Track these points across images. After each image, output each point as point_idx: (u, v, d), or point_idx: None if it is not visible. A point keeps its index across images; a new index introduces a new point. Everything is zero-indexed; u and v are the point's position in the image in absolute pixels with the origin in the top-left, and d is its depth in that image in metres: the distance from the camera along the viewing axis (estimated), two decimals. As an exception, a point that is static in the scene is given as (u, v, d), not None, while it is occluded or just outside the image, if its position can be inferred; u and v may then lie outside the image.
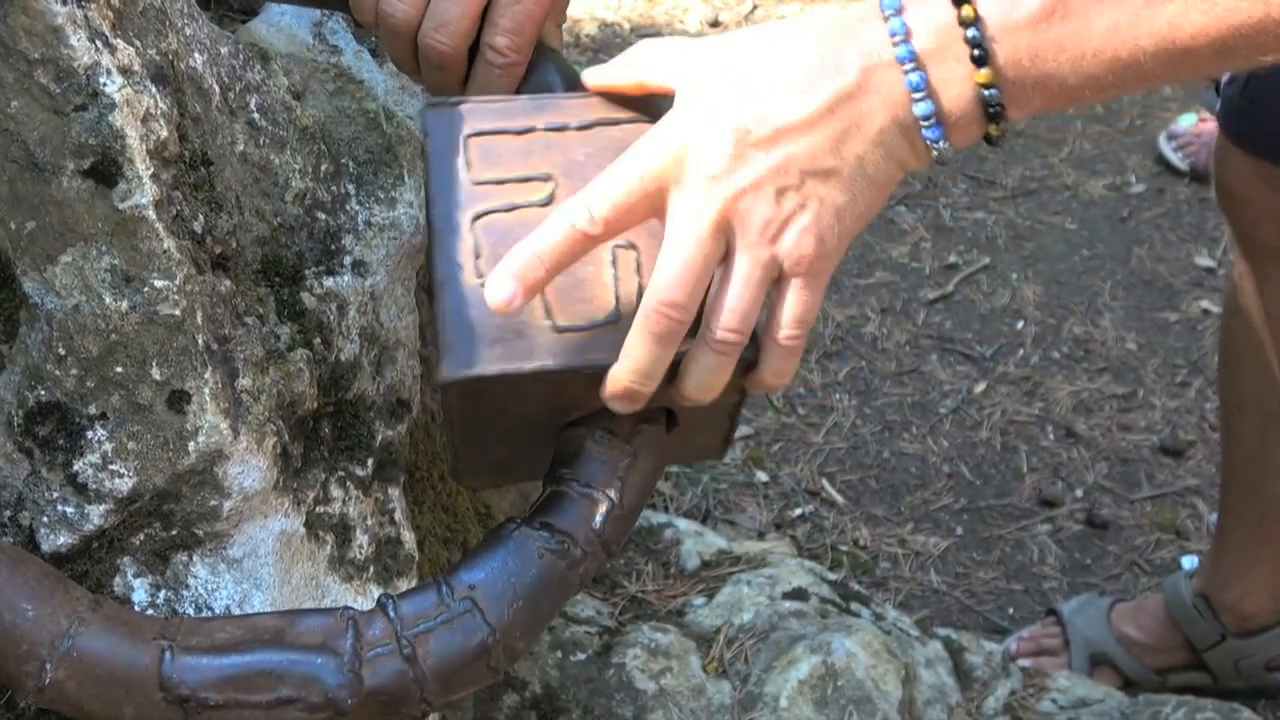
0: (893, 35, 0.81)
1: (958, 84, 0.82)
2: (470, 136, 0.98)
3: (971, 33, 0.80)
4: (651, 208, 0.86)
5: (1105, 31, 0.80)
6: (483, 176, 0.97)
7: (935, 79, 0.82)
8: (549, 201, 0.95)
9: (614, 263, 0.94)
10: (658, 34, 3.72)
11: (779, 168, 0.83)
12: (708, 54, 0.87)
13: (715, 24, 3.77)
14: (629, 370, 0.88)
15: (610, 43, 3.65)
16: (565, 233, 0.86)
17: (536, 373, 0.90)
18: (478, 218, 0.95)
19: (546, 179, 0.97)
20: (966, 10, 0.80)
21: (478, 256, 0.93)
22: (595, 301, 0.92)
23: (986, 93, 0.82)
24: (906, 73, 0.81)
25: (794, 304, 0.87)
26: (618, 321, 0.91)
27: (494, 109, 1.00)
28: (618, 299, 0.92)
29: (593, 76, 0.97)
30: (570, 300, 0.92)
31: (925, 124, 0.83)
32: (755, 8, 3.86)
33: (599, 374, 0.90)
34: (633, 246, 0.94)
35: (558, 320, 0.91)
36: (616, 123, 0.99)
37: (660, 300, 0.85)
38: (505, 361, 0.89)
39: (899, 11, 0.81)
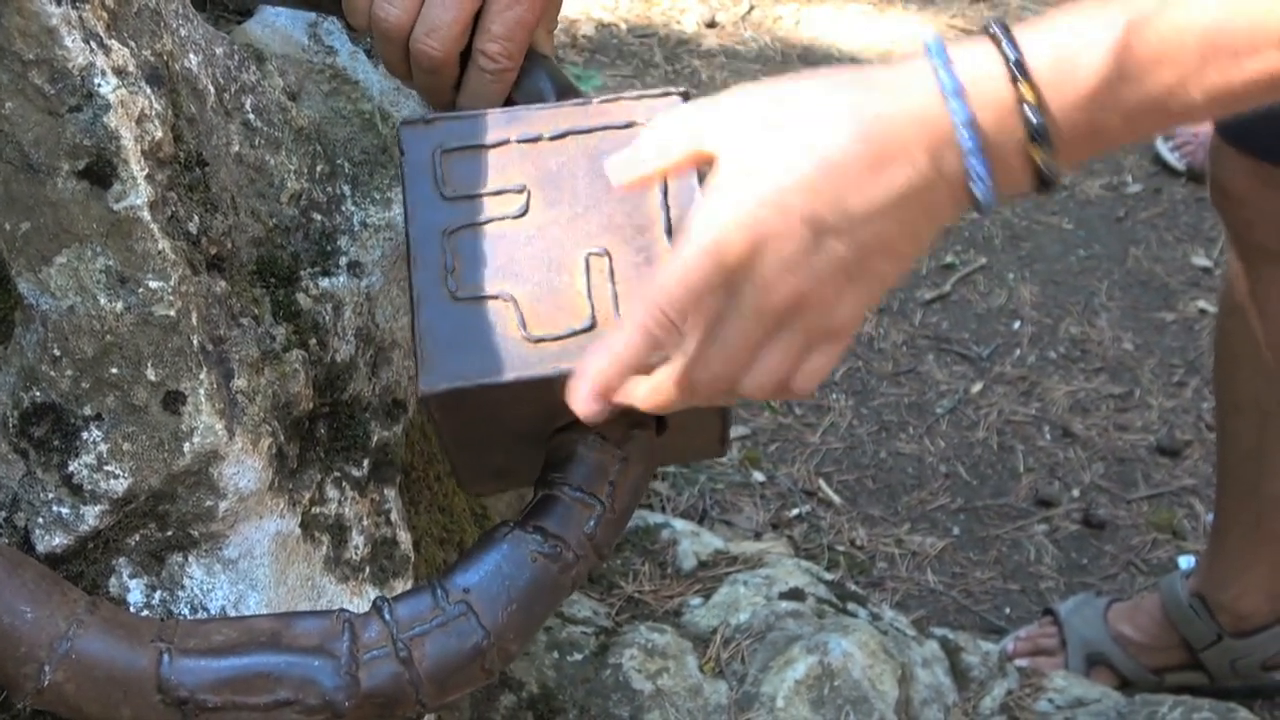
0: (954, 118, 0.81)
1: (1015, 157, 0.82)
2: (444, 152, 1.00)
3: (1031, 115, 0.81)
4: (718, 296, 0.85)
5: (1160, 92, 0.81)
6: (455, 191, 0.99)
7: (995, 160, 0.82)
8: (524, 213, 0.97)
9: (587, 270, 0.95)
10: (654, 34, 3.72)
11: (853, 260, 0.83)
12: (760, 121, 0.84)
13: (712, 24, 3.77)
14: (609, 358, 0.87)
15: (607, 43, 3.65)
16: (639, 337, 0.85)
17: (511, 383, 0.92)
18: (451, 233, 0.97)
19: (520, 190, 0.99)
20: (1026, 90, 0.80)
21: (451, 272, 0.95)
22: (570, 310, 0.94)
23: (1043, 163, 0.82)
24: (968, 155, 0.82)
25: (819, 365, 0.87)
26: (592, 328, 0.93)
27: (467, 124, 1.01)
28: (592, 306, 0.94)
29: (638, 154, 0.89)
30: (545, 310, 0.94)
31: (978, 194, 0.83)
32: (752, 8, 3.86)
33: None
34: (606, 254, 0.95)
35: (532, 331, 0.93)
36: (589, 130, 1.00)
37: (708, 378, 0.86)
38: (481, 374, 0.92)
39: (960, 94, 0.81)
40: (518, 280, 0.95)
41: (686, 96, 1.02)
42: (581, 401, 0.87)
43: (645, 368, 0.88)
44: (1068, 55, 0.81)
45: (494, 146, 1.00)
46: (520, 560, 0.91)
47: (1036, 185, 0.84)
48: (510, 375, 0.92)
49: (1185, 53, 0.80)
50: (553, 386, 0.91)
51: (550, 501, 0.94)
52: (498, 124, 1.01)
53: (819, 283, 0.83)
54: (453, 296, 0.94)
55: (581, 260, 0.95)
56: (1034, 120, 0.81)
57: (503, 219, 0.97)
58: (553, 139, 1.00)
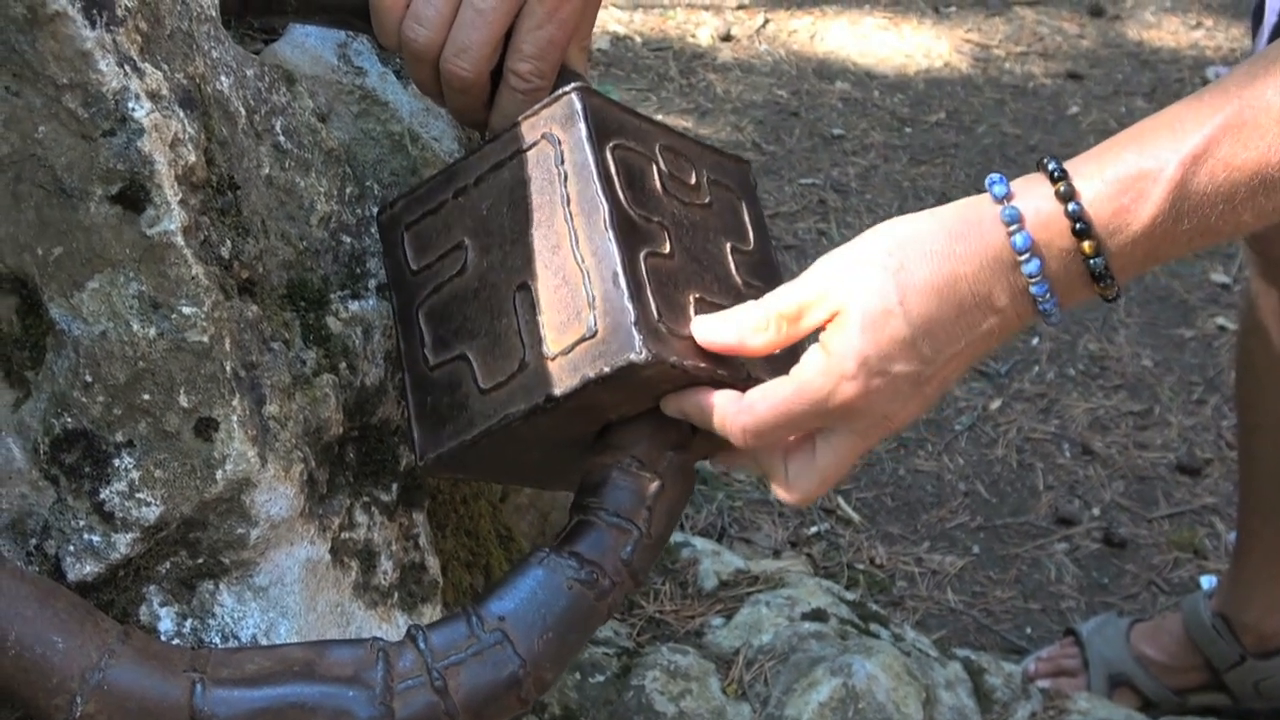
0: (1026, 270, 0.90)
1: (1081, 291, 0.92)
2: (405, 229, 1.03)
3: (1095, 263, 0.90)
4: (808, 425, 0.95)
5: (1214, 220, 0.89)
6: (418, 264, 1.03)
7: (1062, 293, 0.92)
8: (463, 268, 1.00)
9: (515, 309, 0.97)
10: (669, 48, 3.71)
11: (936, 390, 0.95)
12: (875, 291, 0.92)
13: (727, 38, 3.77)
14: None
15: (622, 57, 3.65)
16: (729, 433, 0.95)
17: (476, 438, 0.97)
18: (419, 306, 1.01)
19: (459, 246, 1.01)
20: (1089, 246, 0.89)
21: (423, 344, 1.00)
22: (509, 354, 0.97)
23: (1104, 292, 0.92)
24: (1040, 299, 0.91)
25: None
26: (523, 369, 0.95)
27: (421, 194, 1.04)
28: (523, 344, 0.96)
29: (764, 312, 0.97)
30: (491, 360, 0.97)
31: (1049, 320, 0.94)
32: (767, 22, 3.85)
33: (525, 418, 0.95)
34: (528, 286, 0.96)
35: (483, 384, 0.97)
36: (505, 161, 1.01)
37: (782, 483, 0.98)
38: (454, 437, 0.97)
39: (1030, 250, 0.90)
40: (470, 336, 0.99)
41: (584, 92, 1.01)
42: (670, 408, 0.97)
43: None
44: (1125, 202, 0.89)
45: (438, 209, 1.03)
46: (556, 587, 0.90)
47: (1101, 301, 0.95)
48: (475, 431, 0.96)
49: (1238, 187, 0.88)
50: (514, 431, 0.96)
51: (586, 527, 0.93)
52: (439, 187, 1.03)
53: (905, 413, 0.95)
54: (428, 368, 1.00)
55: (511, 300, 0.98)
56: (1097, 266, 0.90)
57: (452, 279, 1.00)
58: (477, 183, 1.02)
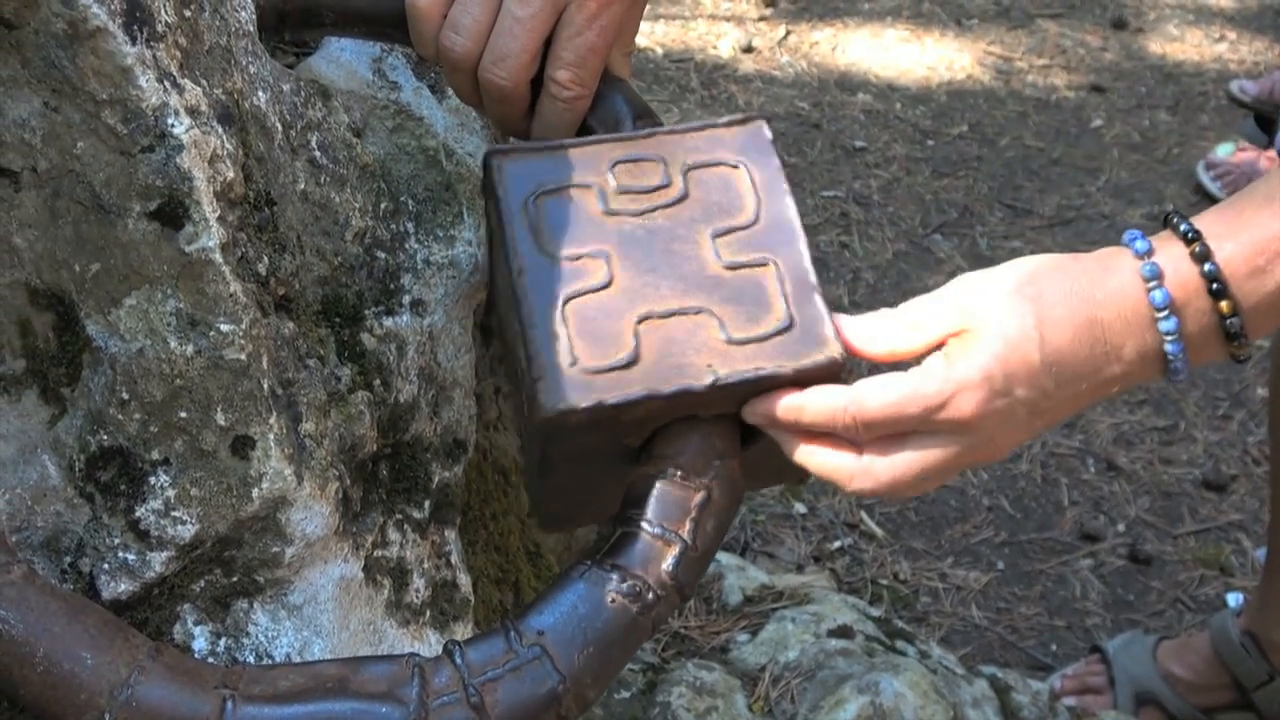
0: (1162, 327, 0.91)
1: (1212, 350, 0.92)
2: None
3: (1231, 324, 0.90)
4: (911, 427, 0.94)
5: None
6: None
7: (1193, 352, 0.92)
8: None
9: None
10: (691, 60, 3.71)
11: (1042, 426, 0.95)
12: (1012, 316, 0.92)
13: (748, 49, 3.76)
14: None
15: (644, 69, 3.64)
16: (833, 416, 0.94)
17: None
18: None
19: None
20: (1226, 306, 0.90)
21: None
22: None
23: (1237, 353, 0.92)
24: (1172, 358, 0.92)
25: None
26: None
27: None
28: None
29: (899, 327, 0.98)
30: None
31: (1177, 379, 0.94)
32: (789, 33, 3.85)
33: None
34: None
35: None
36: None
37: (868, 483, 0.96)
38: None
39: (1169, 308, 0.90)
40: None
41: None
42: (752, 414, 0.95)
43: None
44: (1260, 264, 0.90)
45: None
46: (598, 601, 0.87)
47: (1230, 362, 0.95)
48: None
49: None
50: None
51: (629, 539, 0.90)
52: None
53: (1012, 444, 0.95)
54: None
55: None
56: (1233, 327, 0.90)
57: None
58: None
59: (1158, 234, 0.94)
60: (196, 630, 0.92)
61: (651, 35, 3.79)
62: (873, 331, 0.97)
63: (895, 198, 3.28)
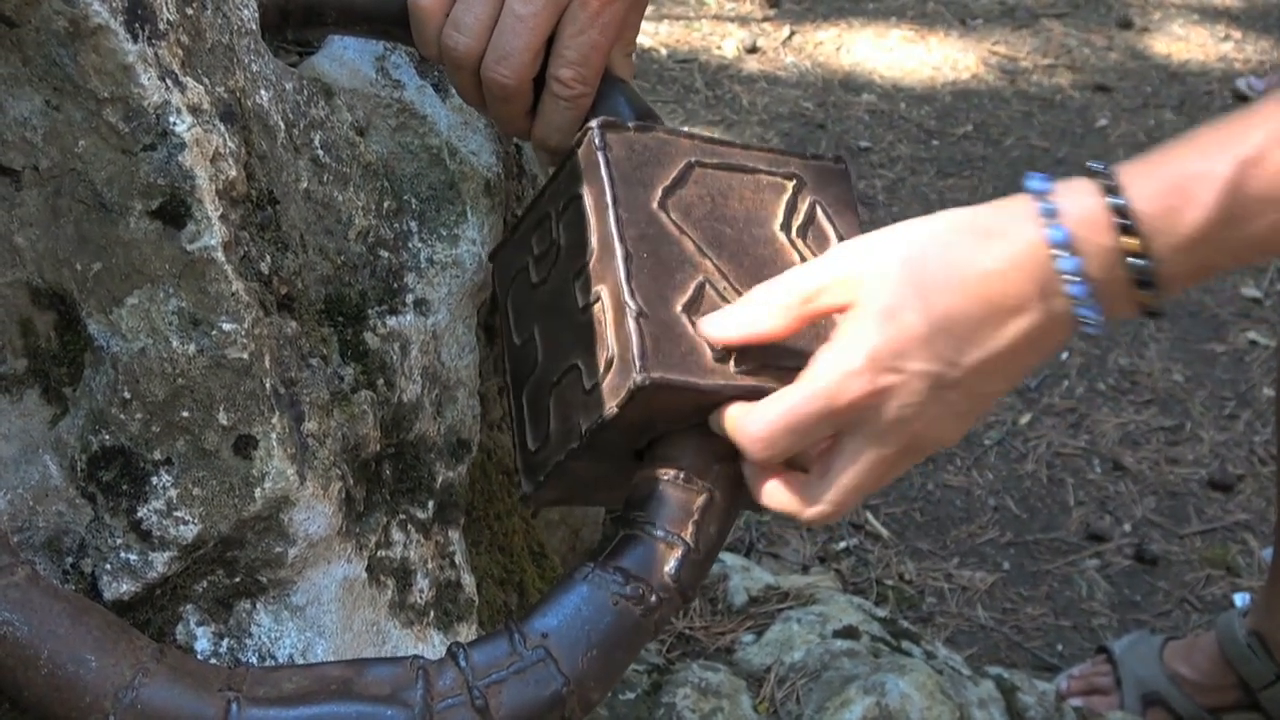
0: (1061, 268, 0.84)
1: (1122, 298, 0.85)
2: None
3: (1138, 264, 0.83)
4: (823, 430, 0.89)
5: (1267, 230, 0.82)
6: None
7: (1103, 299, 0.84)
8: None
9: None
10: (695, 60, 3.70)
11: (966, 402, 0.88)
12: (889, 280, 0.87)
13: (753, 50, 3.76)
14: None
15: (648, 69, 3.64)
16: (741, 444, 0.91)
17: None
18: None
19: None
20: (1132, 242, 0.82)
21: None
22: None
23: (1149, 302, 0.85)
24: (1076, 303, 0.84)
25: (901, 472, 0.94)
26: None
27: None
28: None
29: (779, 297, 0.93)
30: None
31: (1089, 329, 0.86)
32: (793, 33, 3.84)
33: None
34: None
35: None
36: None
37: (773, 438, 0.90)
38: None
39: (1067, 245, 0.83)
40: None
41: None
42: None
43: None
44: (1175, 202, 0.82)
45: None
46: (601, 603, 0.88)
47: (1143, 316, 0.87)
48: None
49: None
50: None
51: (631, 541, 0.91)
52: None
53: (931, 425, 0.87)
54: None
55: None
56: (1141, 268, 0.83)
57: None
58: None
59: (1071, 179, 0.86)
60: (199, 631, 0.91)
61: (655, 35, 3.79)
62: (724, 316, 0.93)
63: (900, 198, 3.27)
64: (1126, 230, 0.82)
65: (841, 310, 0.89)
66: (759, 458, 0.91)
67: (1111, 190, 0.83)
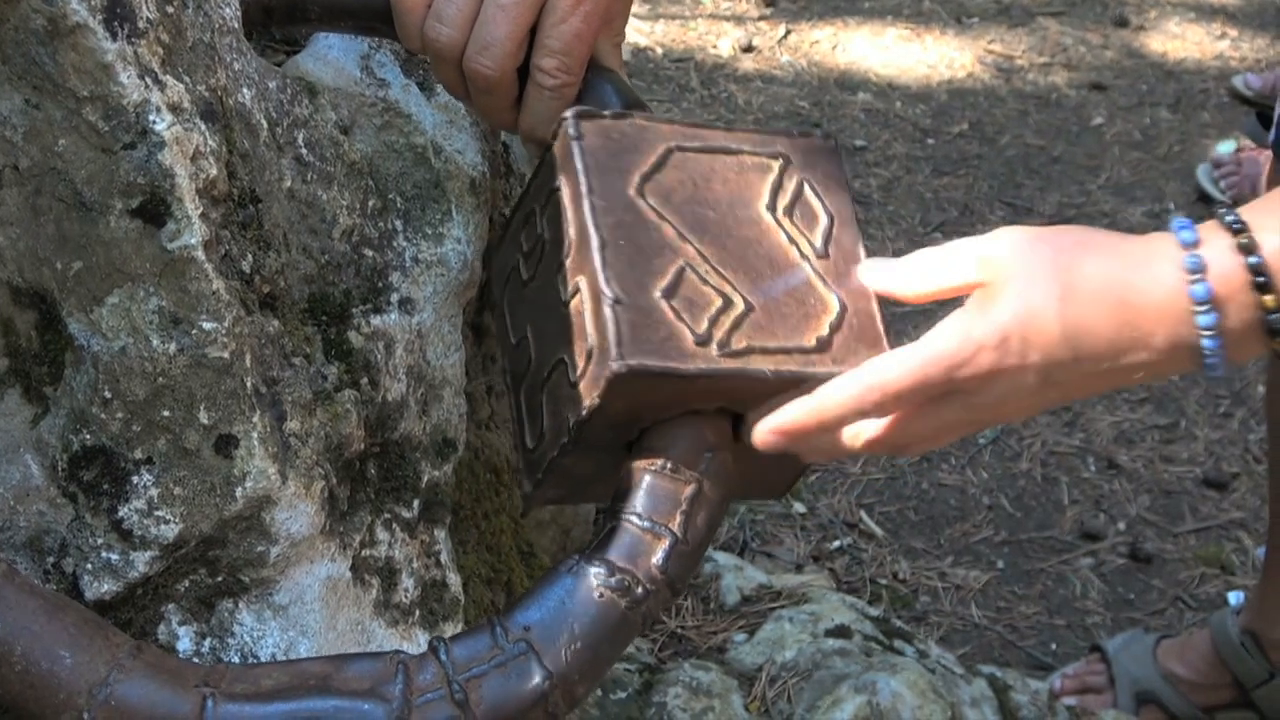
0: (1200, 322, 0.88)
1: (1251, 345, 0.89)
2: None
3: (1276, 317, 0.87)
4: (936, 395, 0.92)
5: None
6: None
7: (1231, 347, 0.89)
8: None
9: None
10: (690, 59, 3.70)
11: (1061, 398, 0.94)
12: (1038, 272, 0.91)
13: (748, 49, 3.76)
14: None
15: (643, 68, 3.64)
16: (850, 406, 0.93)
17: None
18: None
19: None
20: (1270, 300, 0.87)
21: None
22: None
23: (1278, 349, 0.89)
24: (1208, 353, 0.89)
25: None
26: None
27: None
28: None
29: (918, 270, 0.97)
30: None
31: (1214, 374, 0.91)
32: (788, 32, 3.84)
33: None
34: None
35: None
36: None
37: (882, 448, 0.95)
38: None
39: (1209, 301, 0.87)
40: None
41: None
42: (763, 434, 0.94)
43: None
44: None
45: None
46: (585, 596, 0.86)
47: (1270, 358, 0.92)
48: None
49: None
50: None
51: (617, 533, 0.89)
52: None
53: (1017, 411, 0.94)
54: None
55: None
56: (1277, 324, 0.87)
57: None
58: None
59: (1203, 223, 0.90)
60: (181, 630, 0.91)
61: (651, 34, 3.79)
62: (882, 265, 0.97)
63: (895, 196, 3.27)
64: (1265, 289, 0.87)
65: (980, 286, 0.93)
66: (874, 411, 0.93)
67: (1247, 249, 0.87)
